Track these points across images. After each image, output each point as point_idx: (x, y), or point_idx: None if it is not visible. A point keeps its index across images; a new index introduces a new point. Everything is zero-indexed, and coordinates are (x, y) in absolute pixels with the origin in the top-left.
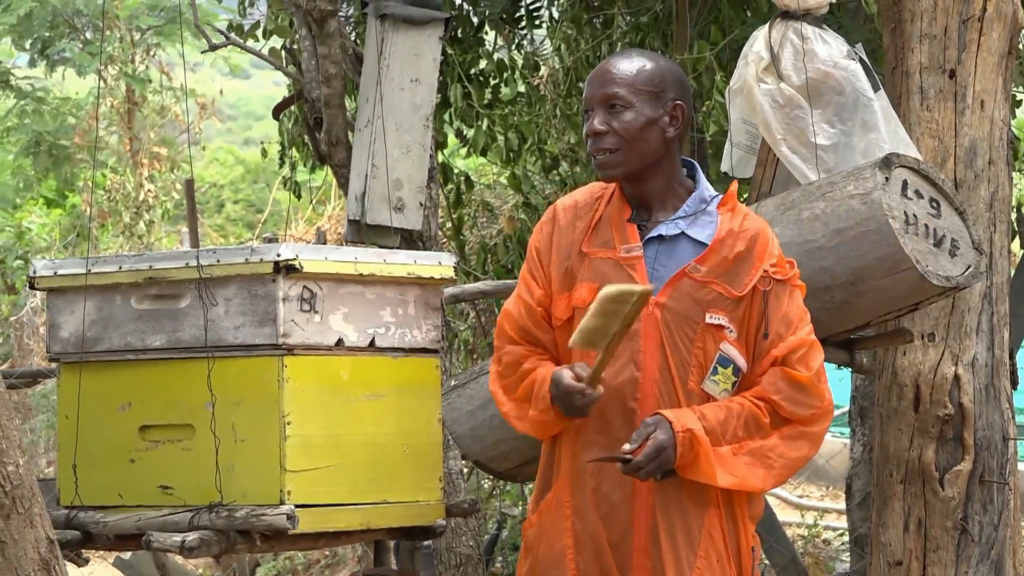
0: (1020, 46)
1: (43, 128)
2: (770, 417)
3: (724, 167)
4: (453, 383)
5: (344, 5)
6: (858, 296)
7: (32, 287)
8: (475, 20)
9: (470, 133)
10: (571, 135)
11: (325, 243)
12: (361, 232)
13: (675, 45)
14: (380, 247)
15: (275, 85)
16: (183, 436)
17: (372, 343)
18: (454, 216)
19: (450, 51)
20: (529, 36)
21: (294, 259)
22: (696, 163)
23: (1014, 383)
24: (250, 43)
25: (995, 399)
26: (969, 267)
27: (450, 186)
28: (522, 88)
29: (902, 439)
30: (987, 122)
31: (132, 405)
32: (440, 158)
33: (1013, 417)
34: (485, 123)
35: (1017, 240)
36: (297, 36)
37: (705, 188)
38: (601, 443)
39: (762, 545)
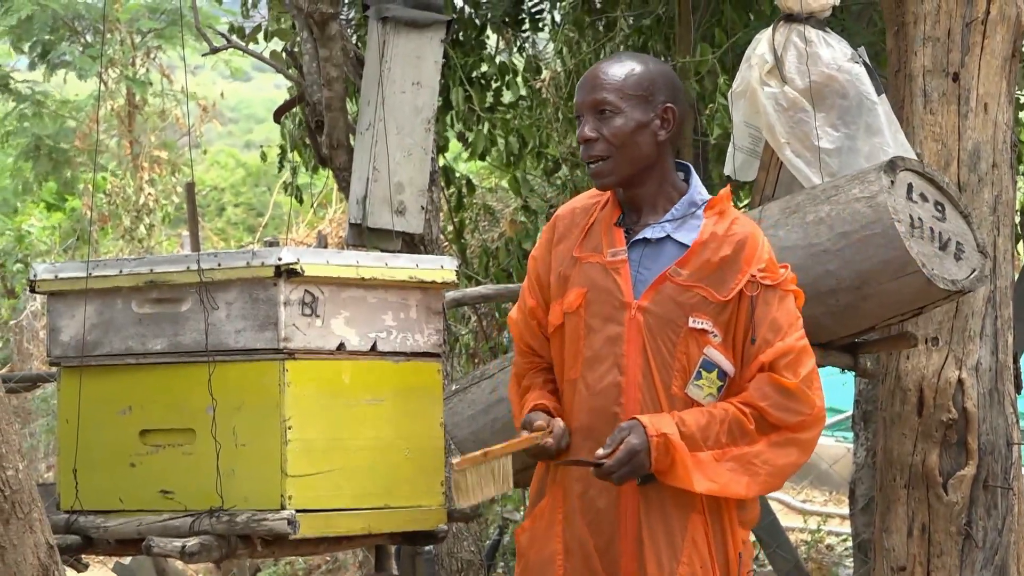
0: None
1: (43, 131)
2: (756, 423)
3: (727, 170)
4: (455, 387)
5: (345, 8)
6: (863, 300)
7: (32, 291)
8: (477, 23)
9: (471, 136)
10: (572, 138)
11: (326, 247)
12: (362, 236)
13: (678, 48)
14: (382, 251)
15: (276, 88)
16: (184, 440)
17: (374, 347)
18: (455, 220)
19: (452, 54)
20: (531, 39)
21: (295, 263)
22: (691, 166)
23: (1018, 387)
24: (251, 46)
25: (999, 403)
26: (974, 270)
27: (452, 189)
28: (523, 91)
29: (906, 444)
30: (991, 125)
31: (132, 409)
32: (442, 161)
33: (1017, 421)
34: (485, 127)
35: (1021, 244)
36: (298, 39)
37: (697, 192)
38: (589, 448)
39: (765, 551)
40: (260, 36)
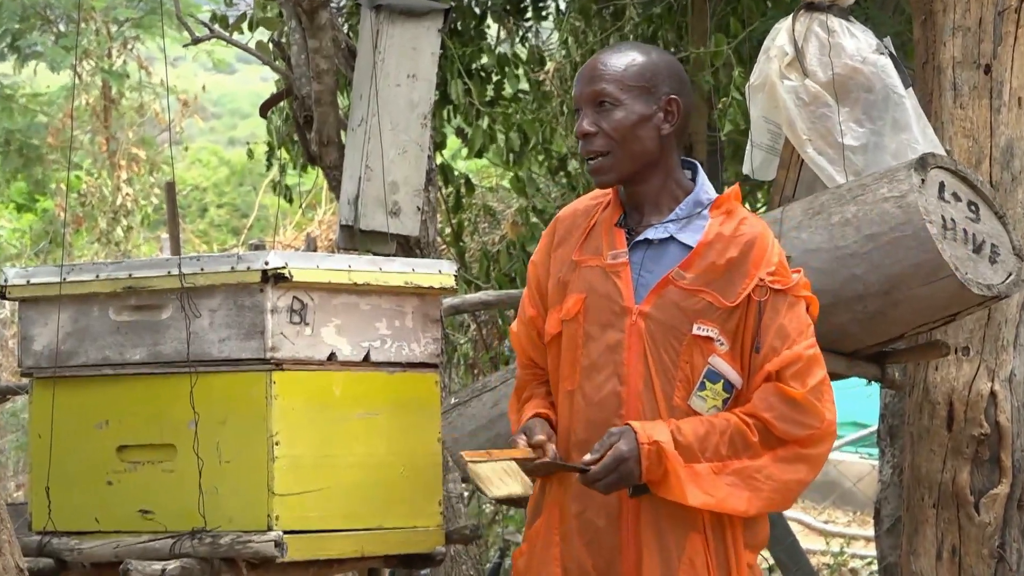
0: None
1: (13, 127)
2: (760, 436)
3: (745, 169)
4: (453, 401)
5: None
6: (893, 306)
7: (3, 296)
8: (476, 11)
9: (471, 132)
10: None
11: (316, 250)
12: (354, 238)
13: (690, 38)
14: (375, 254)
15: (262, 81)
16: (164, 457)
17: (367, 357)
18: (454, 221)
19: (450, 45)
20: (534, 28)
21: (283, 267)
22: (698, 164)
23: None
24: (235, 36)
25: None
26: (1010, 274)
27: (450, 189)
28: (525, 85)
29: (934, 460)
30: None
31: (110, 423)
32: (439, 159)
33: None
34: (485, 122)
35: None
36: (286, 28)
37: (704, 191)
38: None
39: (784, 575)
40: (245, 25)
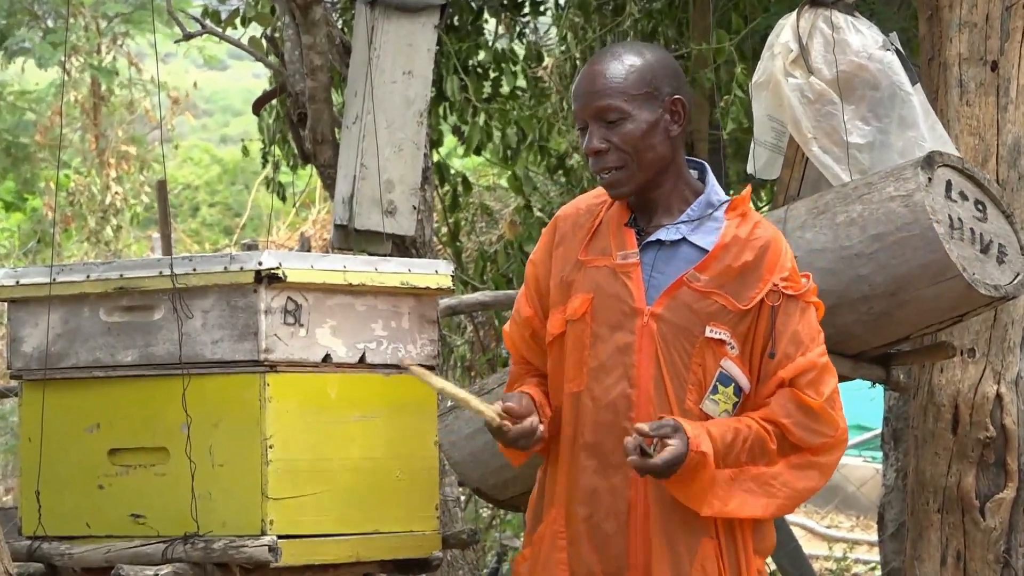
0: None
1: (1, 125)
2: (778, 443)
3: (749, 168)
4: (451, 403)
5: None
6: (899, 307)
7: None
8: (473, 7)
9: (467, 130)
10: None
11: (310, 250)
12: (349, 238)
13: (692, 34)
14: (370, 254)
15: (255, 77)
16: (156, 460)
17: (362, 359)
18: (450, 220)
19: (446, 40)
20: (532, 24)
21: (277, 267)
22: (706, 164)
23: None
24: (228, 31)
25: None
26: (1018, 275)
27: (446, 188)
28: (523, 81)
29: (939, 464)
30: None
31: (101, 426)
32: (435, 157)
33: None
34: (482, 119)
35: None
36: (279, 24)
37: (714, 192)
38: (594, 467)
39: None
40: (237, 21)
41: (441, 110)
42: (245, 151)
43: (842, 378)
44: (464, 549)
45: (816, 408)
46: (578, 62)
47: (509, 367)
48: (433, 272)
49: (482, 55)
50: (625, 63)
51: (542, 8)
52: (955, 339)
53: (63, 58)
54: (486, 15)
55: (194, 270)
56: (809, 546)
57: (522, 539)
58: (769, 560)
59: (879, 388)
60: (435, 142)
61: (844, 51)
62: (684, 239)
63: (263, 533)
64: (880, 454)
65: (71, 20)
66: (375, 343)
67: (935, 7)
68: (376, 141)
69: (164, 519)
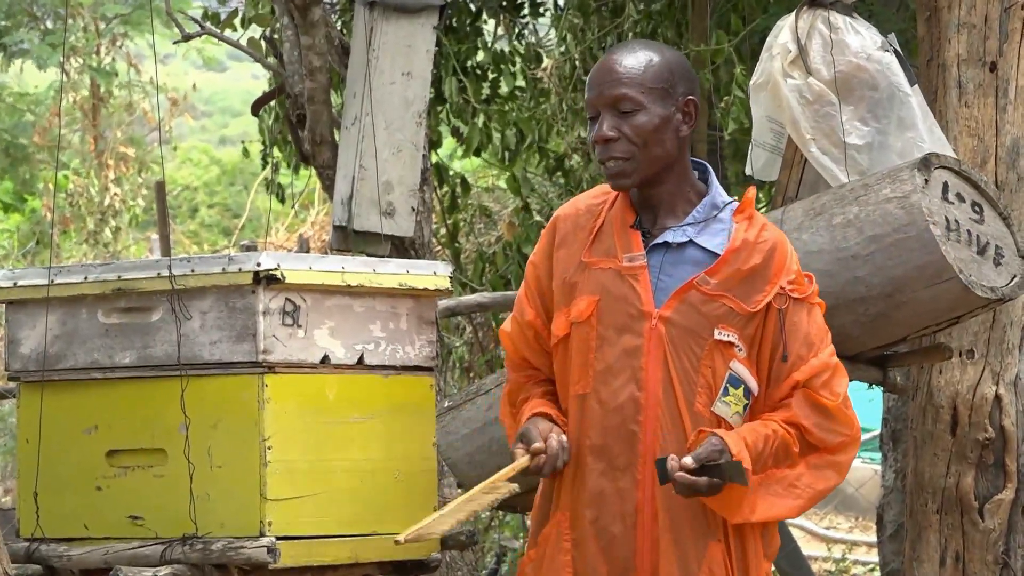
0: None
1: (0, 126)
2: (799, 445)
3: (748, 169)
4: (448, 404)
5: None
6: (895, 309)
7: None
8: (472, 8)
9: (466, 131)
10: (580, 129)
11: (309, 251)
12: (348, 239)
13: (691, 35)
14: (369, 255)
15: (254, 79)
16: (154, 462)
17: (360, 360)
18: (449, 222)
19: (445, 41)
20: (531, 25)
21: (275, 269)
22: (709, 166)
23: None
24: (227, 32)
25: None
26: (1015, 277)
27: (445, 189)
28: (522, 82)
29: (938, 465)
30: None
31: (99, 428)
32: (434, 158)
33: None
34: (481, 120)
35: None
36: (278, 25)
37: (718, 193)
38: (600, 469)
39: None
40: (236, 22)
41: (440, 111)
42: (245, 152)
43: None
44: (463, 550)
45: (833, 409)
46: (577, 63)
47: (507, 372)
48: (431, 273)
49: (481, 56)
50: (644, 57)
51: (541, 9)
52: (954, 340)
53: (62, 59)
54: (485, 16)
55: (192, 271)
56: (808, 547)
57: (521, 540)
58: None
59: (878, 389)
60: (434, 143)
61: (843, 52)
62: (691, 241)
63: (262, 534)
64: (879, 455)
65: (70, 21)
66: (373, 344)
67: (934, 8)
68: (375, 142)
69: (162, 520)
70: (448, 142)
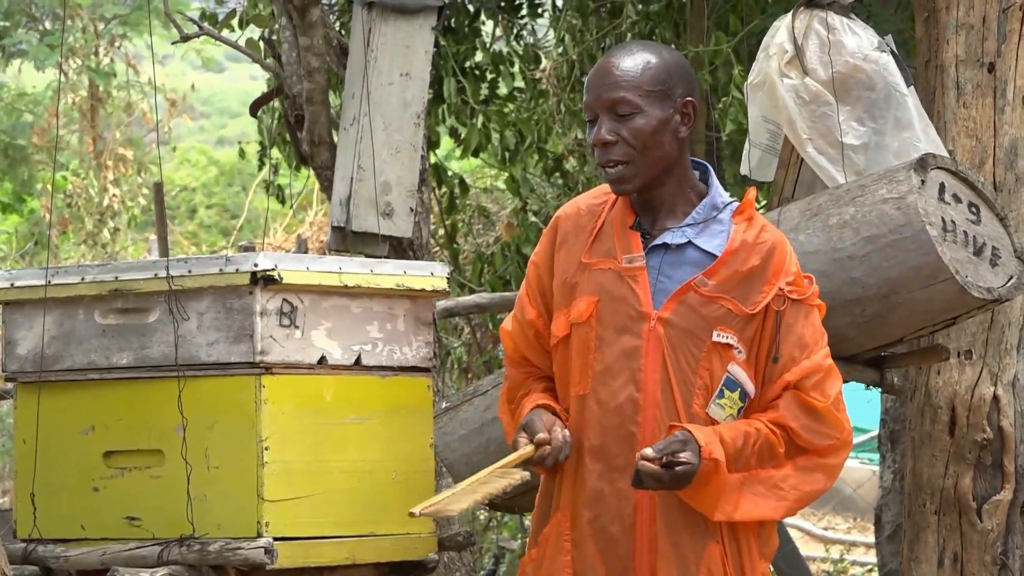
0: None
1: None
2: (785, 446)
3: (743, 169)
4: (445, 405)
5: None
6: (891, 309)
7: None
8: (471, 8)
9: (465, 132)
10: (578, 131)
11: (306, 252)
12: (346, 240)
13: (689, 36)
14: (367, 256)
15: (252, 79)
16: (151, 463)
17: (358, 361)
18: (447, 223)
19: (443, 42)
20: (529, 26)
21: (273, 269)
22: (709, 166)
23: None
24: (225, 33)
25: None
26: (1012, 278)
27: (443, 190)
28: (520, 83)
29: (936, 466)
30: None
31: (96, 429)
32: (432, 159)
33: None
34: (480, 121)
35: None
36: (277, 26)
37: (718, 194)
38: (599, 470)
39: None
40: (235, 23)
41: (439, 112)
42: (242, 153)
43: None
44: (460, 551)
45: (822, 411)
46: (576, 64)
47: (506, 370)
48: (429, 274)
49: (479, 57)
50: (641, 59)
51: (539, 10)
52: (952, 341)
53: (60, 60)
54: (483, 17)
55: (190, 272)
56: (806, 548)
57: (519, 541)
58: None
59: (875, 390)
60: (432, 144)
61: (840, 52)
62: (690, 243)
63: (259, 535)
64: (877, 456)
65: (68, 22)
66: (371, 345)
67: (932, 9)
68: (373, 143)
69: (160, 521)
70: (446, 143)
